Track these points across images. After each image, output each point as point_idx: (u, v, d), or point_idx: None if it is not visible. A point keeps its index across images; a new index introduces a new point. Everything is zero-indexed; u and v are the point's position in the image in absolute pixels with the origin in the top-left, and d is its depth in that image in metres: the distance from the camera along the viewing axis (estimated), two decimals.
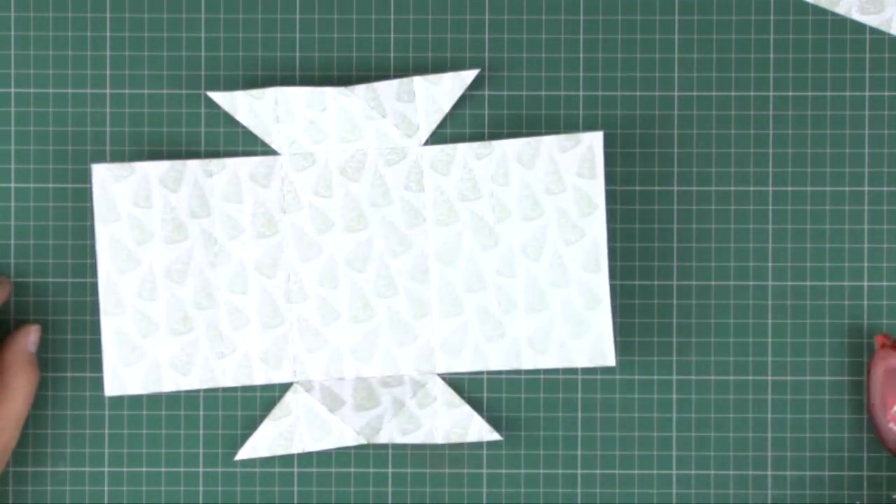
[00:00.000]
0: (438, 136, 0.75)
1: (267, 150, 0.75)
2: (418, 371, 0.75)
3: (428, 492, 0.76)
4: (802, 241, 0.76)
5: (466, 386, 0.76)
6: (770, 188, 0.76)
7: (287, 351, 0.75)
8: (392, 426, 0.75)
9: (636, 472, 0.76)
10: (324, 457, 0.76)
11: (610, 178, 0.75)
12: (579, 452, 0.76)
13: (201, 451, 0.76)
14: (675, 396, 0.76)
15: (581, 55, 0.76)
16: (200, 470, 0.76)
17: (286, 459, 0.76)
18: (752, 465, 0.76)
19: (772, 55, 0.75)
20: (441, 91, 0.74)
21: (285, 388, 0.76)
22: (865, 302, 0.75)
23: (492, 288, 0.75)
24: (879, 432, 0.73)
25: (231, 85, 0.76)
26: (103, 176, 0.75)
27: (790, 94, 0.75)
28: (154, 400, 0.76)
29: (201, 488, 0.76)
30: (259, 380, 0.75)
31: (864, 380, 0.75)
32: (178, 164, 0.75)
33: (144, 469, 0.76)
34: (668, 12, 0.76)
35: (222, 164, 0.75)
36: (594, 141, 0.74)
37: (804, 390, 0.76)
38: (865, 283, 0.75)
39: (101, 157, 0.76)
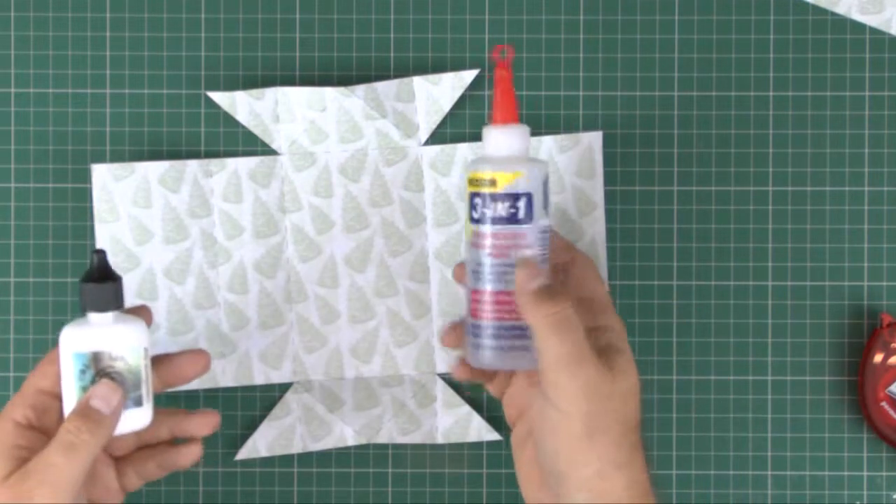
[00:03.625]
0: (438, 136, 0.75)
1: (267, 150, 0.75)
2: (418, 371, 0.75)
3: (428, 492, 0.76)
4: (802, 241, 0.75)
5: (466, 386, 0.76)
6: (770, 188, 0.75)
7: (287, 351, 0.75)
8: (392, 426, 0.75)
9: None
10: (324, 457, 0.76)
11: (610, 178, 0.75)
12: None
13: None
14: (675, 396, 0.76)
15: (581, 55, 0.76)
16: (200, 470, 0.76)
17: (286, 459, 0.76)
18: (752, 465, 0.76)
19: (772, 55, 0.75)
20: (441, 91, 0.74)
21: (285, 388, 0.76)
22: (865, 302, 0.75)
23: None
24: (868, 410, 0.74)
25: (231, 85, 0.76)
26: (103, 176, 0.75)
27: (790, 94, 0.75)
28: (153, 400, 0.76)
29: (201, 488, 0.76)
30: (259, 380, 0.75)
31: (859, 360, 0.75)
32: (178, 164, 0.75)
33: None
34: (668, 12, 0.76)
35: (222, 164, 0.75)
36: (594, 141, 0.74)
37: (804, 390, 0.76)
38: (865, 284, 0.75)
39: (101, 157, 0.76)
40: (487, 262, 0.63)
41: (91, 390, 0.62)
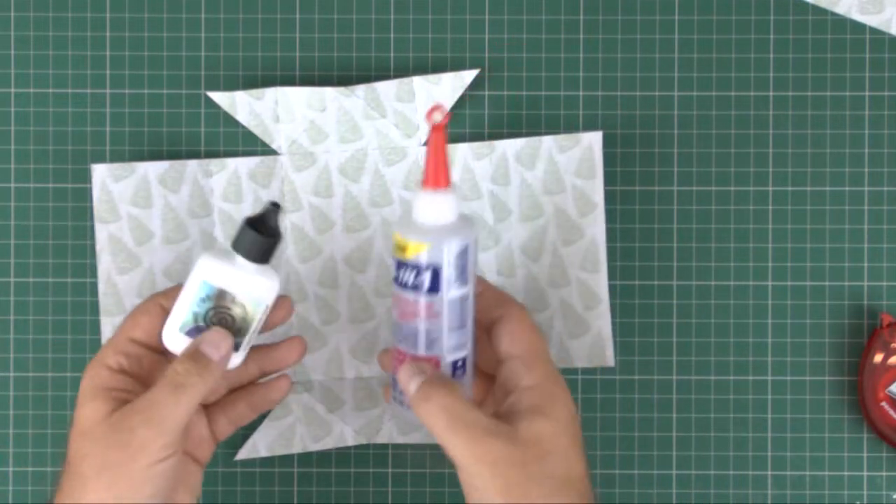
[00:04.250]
0: None
1: (267, 150, 0.75)
2: None
3: (428, 492, 0.76)
4: (802, 241, 0.75)
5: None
6: (770, 188, 0.75)
7: None
8: (392, 426, 0.75)
9: (636, 472, 0.76)
10: (324, 457, 0.76)
11: (610, 178, 0.75)
12: None
13: None
14: (675, 396, 0.76)
15: (581, 55, 0.76)
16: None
17: (286, 459, 0.76)
18: (752, 465, 0.76)
19: (772, 55, 0.75)
20: (441, 91, 0.74)
21: None
22: (865, 302, 0.75)
23: None
24: (868, 410, 0.74)
25: (231, 85, 0.76)
26: (103, 176, 0.75)
27: (790, 94, 0.75)
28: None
29: (201, 488, 0.76)
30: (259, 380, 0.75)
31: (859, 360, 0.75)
32: (178, 164, 0.75)
33: None
34: (668, 12, 0.76)
35: (222, 164, 0.75)
36: (593, 141, 0.74)
37: (804, 390, 0.76)
38: (865, 283, 0.75)
39: (101, 157, 0.76)
40: (398, 322, 0.63)
41: (203, 335, 0.63)
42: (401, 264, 0.61)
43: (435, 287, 0.61)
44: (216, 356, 0.63)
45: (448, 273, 0.61)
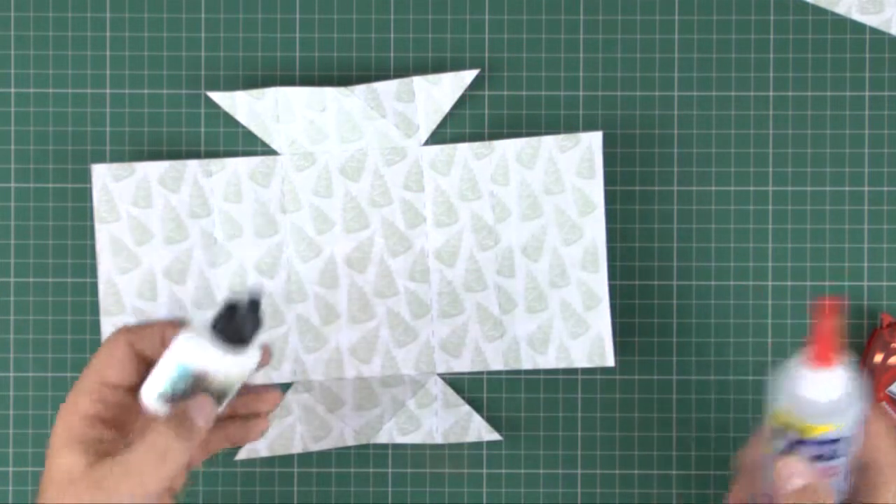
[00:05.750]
0: (438, 136, 0.75)
1: (267, 150, 0.75)
2: (418, 371, 0.75)
3: (428, 492, 0.76)
4: (802, 241, 0.76)
5: (466, 386, 0.76)
6: (770, 188, 0.75)
7: (287, 351, 0.75)
8: (392, 426, 0.75)
9: (636, 472, 0.76)
10: (324, 457, 0.76)
11: (610, 178, 0.75)
12: (579, 452, 0.76)
13: None
14: (675, 396, 0.76)
15: (581, 55, 0.76)
16: (200, 470, 0.76)
17: (286, 459, 0.76)
18: None
19: (772, 55, 0.75)
20: (441, 91, 0.74)
21: (285, 388, 0.76)
22: (865, 302, 0.75)
23: (491, 288, 0.75)
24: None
25: (231, 85, 0.76)
26: (103, 176, 0.75)
27: (790, 94, 0.75)
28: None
29: (201, 488, 0.76)
30: (259, 380, 0.75)
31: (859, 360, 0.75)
32: (178, 164, 0.75)
33: None
34: (668, 12, 0.76)
35: (222, 164, 0.75)
36: (593, 141, 0.74)
37: None
38: (865, 283, 0.75)
39: (101, 157, 0.76)
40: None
41: (189, 401, 0.62)
42: (798, 442, 0.61)
43: (844, 452, 0.61)
44: (201, 421, 0.61)
45: (853, 435, 0.61)
